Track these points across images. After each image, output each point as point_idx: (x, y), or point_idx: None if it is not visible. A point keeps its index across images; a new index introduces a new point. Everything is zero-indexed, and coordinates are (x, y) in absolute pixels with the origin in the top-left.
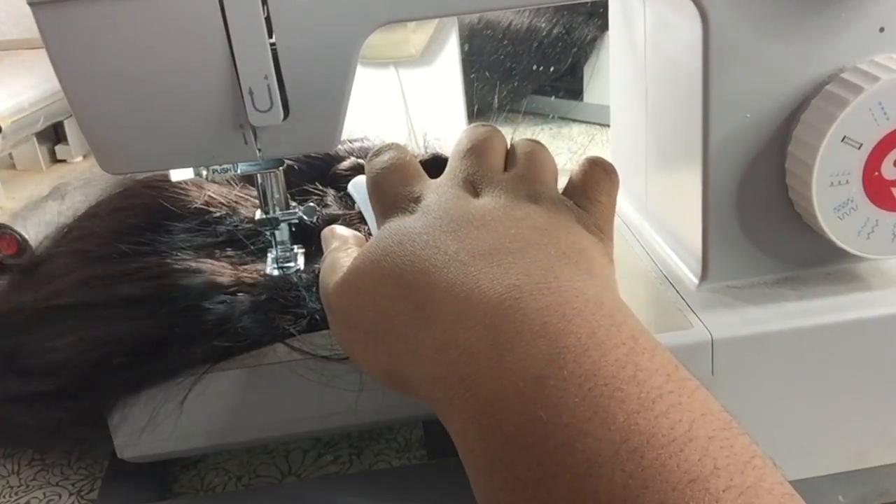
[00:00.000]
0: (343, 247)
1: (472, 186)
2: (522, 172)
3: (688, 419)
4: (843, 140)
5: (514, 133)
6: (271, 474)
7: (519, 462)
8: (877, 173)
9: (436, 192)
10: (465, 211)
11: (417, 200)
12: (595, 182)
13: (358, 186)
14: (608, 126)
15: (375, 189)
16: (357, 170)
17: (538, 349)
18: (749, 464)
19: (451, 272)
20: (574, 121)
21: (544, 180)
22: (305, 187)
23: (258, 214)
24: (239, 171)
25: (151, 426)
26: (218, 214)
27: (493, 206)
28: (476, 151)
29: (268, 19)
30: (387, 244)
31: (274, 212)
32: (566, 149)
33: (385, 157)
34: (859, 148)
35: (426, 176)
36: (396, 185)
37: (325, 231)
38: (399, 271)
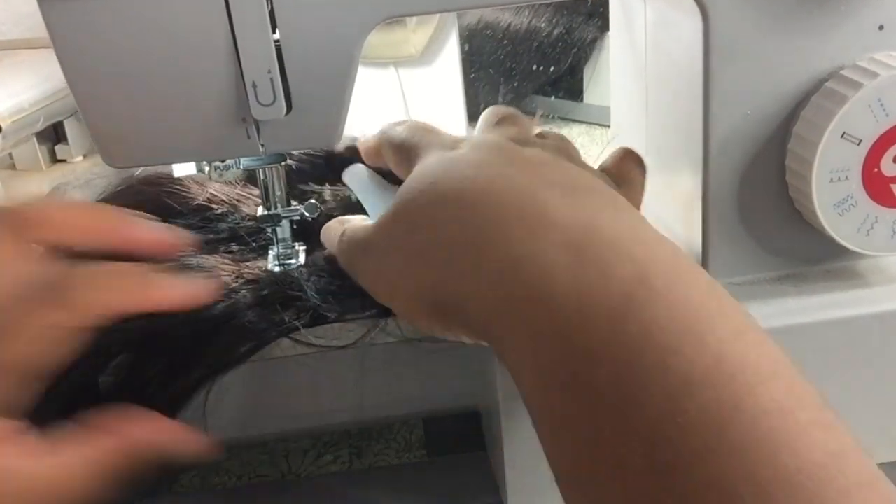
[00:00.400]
0: (355, 222)
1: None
2: (557, 144)
3: (771, 356)
4: (842, 136)
5: None
6: (272, 474)
7: (604, 380)
8: (876, 170)
9: (480, 137)
10: (518, 151)
11: (457, 143)
12: (628, 168)
13: (354, 174)
14: (608, 126)
15: (402, 142)
16: (354, 151)
17: (625, 270)
18: (825, 406)
19: (520, 195)
20: (574, 121)
21: (577, 157)
22: (302, 187)
23: (260, 211)
24: (241, 166)
25: None
26: (219, 211)
27: (544, 154)
28: (509, 120)
29: (271, 13)
30: (435, 170)
31: (276, 208)
32: None
33: (403, 123)
34: (859, 144)
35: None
36: (427, 133)
37: (327, 224)
38: (459, 190)
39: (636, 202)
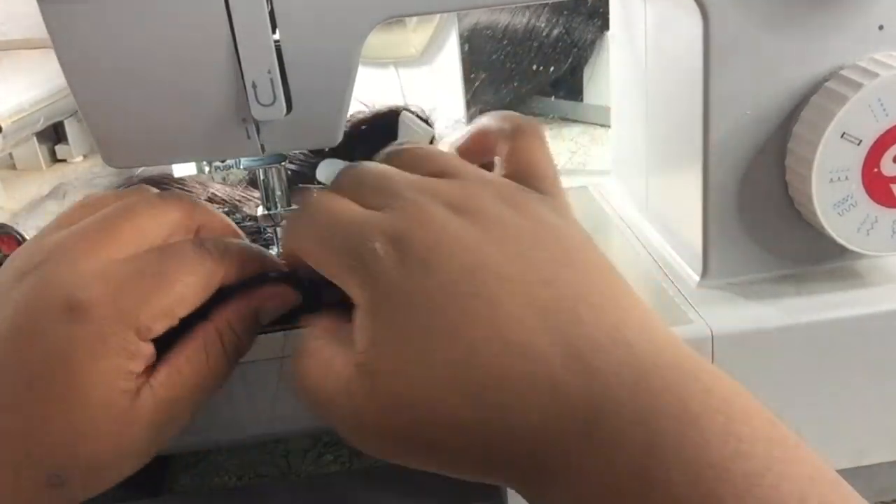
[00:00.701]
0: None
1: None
2: (500, 177)
3: (798, 489)
4: (842, 136)
5: None
6: (271, 474)
7: None
8: (876, 170)
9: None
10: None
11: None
12: (536, 157)
13: (328, 168)
14: (608, 126)
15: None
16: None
17: (636, 439)
18: None
19: (517, 357)
20: (574, 121)
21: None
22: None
23: (260, 211)
24: (241, 166)
25: None
26: (221, 212)
27: (482, 236)
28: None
29: (271, 13)
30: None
31: (276, 208)
32: (566, 149)
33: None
34: (859, 144)
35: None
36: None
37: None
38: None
39: (562, 195)
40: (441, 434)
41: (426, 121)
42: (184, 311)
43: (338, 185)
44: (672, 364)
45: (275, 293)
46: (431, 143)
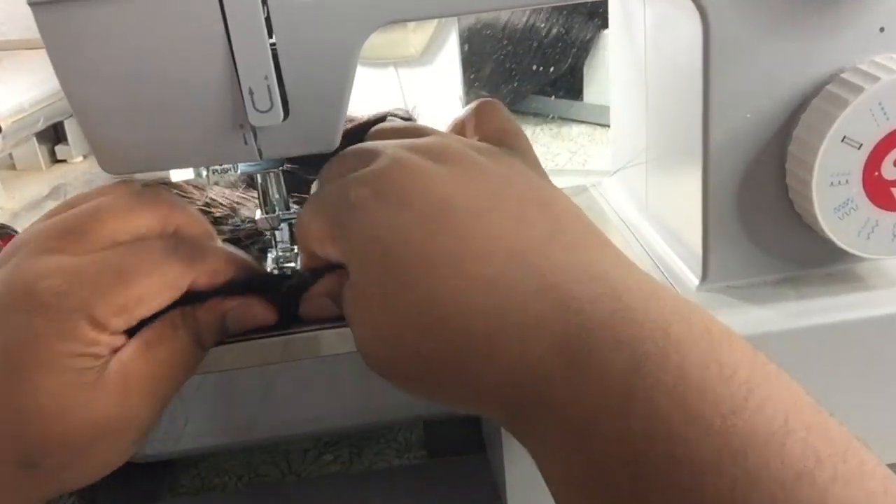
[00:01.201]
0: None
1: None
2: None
3: (782, 411)
4: (843, 140)
5: None
6: (272, 474)
7: (618, 478)
8: (877, 173)
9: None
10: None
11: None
12: (502, 122)
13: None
14: (608, 126)
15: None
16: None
17: (618, 362)
18: (849, 450)
19: (482, 291)
20: (574, 121)
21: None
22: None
23: (258, 215)
24: (239, 172)
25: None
26: (219, 215)
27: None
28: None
29: (268, 19)
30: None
31: (274, 211)
32: (566, 149)
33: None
34: (859, 148)
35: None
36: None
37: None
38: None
39: (532, 153)
40: (412, 368)
41: (413, 121)
42: (144, 309)
43: (328, 170)
44: (650, 294)
45: (246, 304)
46: None
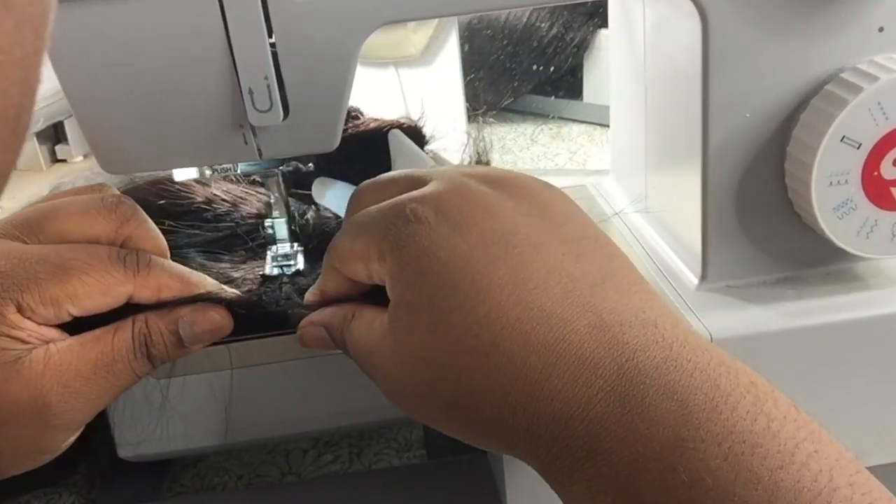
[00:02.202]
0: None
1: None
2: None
3: (827, 468)
4: (842, 140)
5: (513, 132)
6: (271, 474)
7: None
8: (876, 173)
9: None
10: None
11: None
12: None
13: (321, 187)
14: (608, 126)
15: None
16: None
17: (668, 411)
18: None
19: (540, 322)
20: (574, 121)
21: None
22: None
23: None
24: (239, 171)
25: (152, 426)
26: (220, 211)
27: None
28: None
29: (267, 19)
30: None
31: (274, 209)
32: (566, 149)
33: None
34: (858, 148)
35: None
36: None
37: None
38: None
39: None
40: (454, 394)
41: (419, 131)
42: (76, 307)
43: (366, 193)
44: (698, 347)
45: (199, 309)
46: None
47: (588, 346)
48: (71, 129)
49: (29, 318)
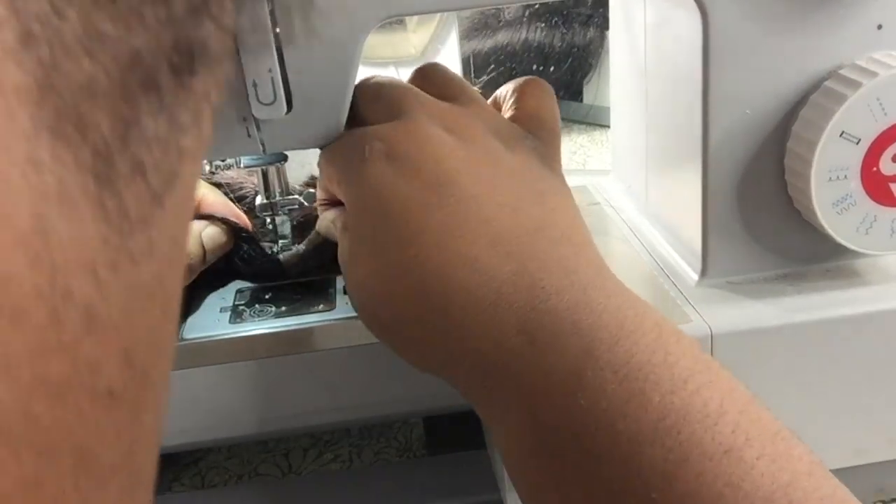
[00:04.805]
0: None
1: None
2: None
3: (718, 396)
4: (841, 135)
5: None
6: (272, 473)
7: (566, 448)
8: (875, 169)
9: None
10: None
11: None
12: (539, 104)
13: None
14: (608, 126)
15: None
16: None
17: (574, 346)
18: (777, 434)
19: (463, 268)
20: (574, 121)
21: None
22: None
23: (259, 200)
24: (242, 165)
25: None
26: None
27: (474, 160)
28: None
29: (272, 12)
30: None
31: (275, 197)
32: (566, 149)
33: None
34: (857, 143)
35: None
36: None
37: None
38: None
39: (556, 150)
40: (393, 324)
41: None
42: None
43: (360, 98)
44: (614, 292)
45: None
46: None
47: (506, 290)
48: None
49: None
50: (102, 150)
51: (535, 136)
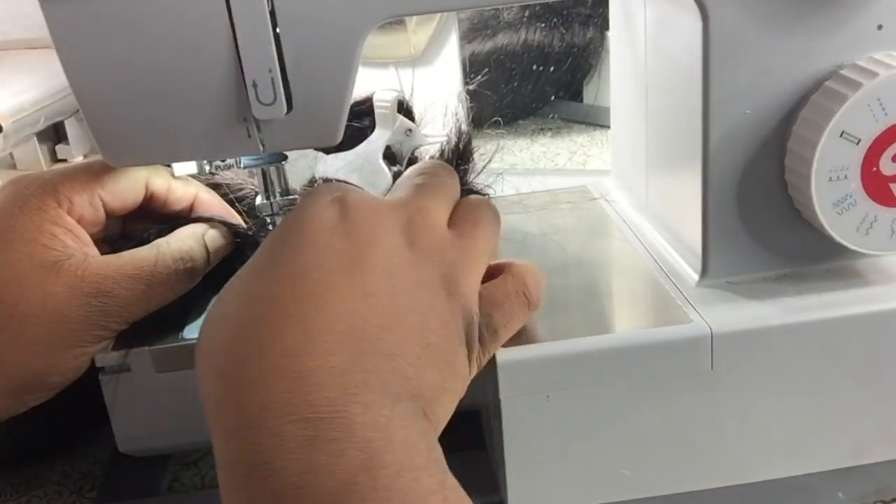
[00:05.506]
0: None
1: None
2: (453, 245)
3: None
4: (841, 135)
5: (513, 134)
6: None
7: None
8: (875, 169)
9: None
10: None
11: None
12: (510, 311)
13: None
14: (608, 127)
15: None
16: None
17: (354, 457)
18: None
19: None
20: (574, 121)
21: (466, 264)
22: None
23: (259, 200)
24: (242, 166)
25: (152, 420)
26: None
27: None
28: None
29: (272, 12)
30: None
31: (275, 197)
32: (566, 149)
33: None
34: (858, 143)
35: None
36: None
37: None
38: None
39: (497, 338)
40: (212, 401)
41: (402, 104)
42: (105, 192)
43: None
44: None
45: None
46: (409, 133)
47: (312, 382)
48: (71, 129)
49: (68, 213)
50: None
51: (459, 234)
